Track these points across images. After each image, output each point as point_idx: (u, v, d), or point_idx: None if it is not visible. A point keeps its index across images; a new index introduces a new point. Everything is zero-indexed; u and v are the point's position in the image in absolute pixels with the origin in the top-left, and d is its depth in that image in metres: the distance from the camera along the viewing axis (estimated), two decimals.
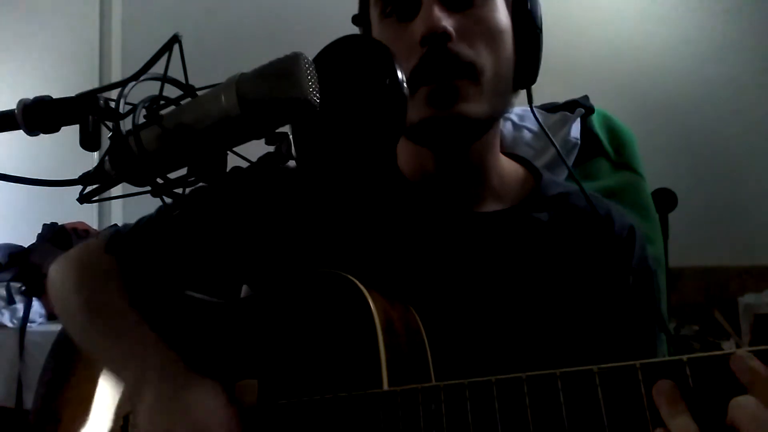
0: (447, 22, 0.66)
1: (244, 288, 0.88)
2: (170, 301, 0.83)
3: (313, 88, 0.42)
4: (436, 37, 0.65)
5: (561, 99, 1.36)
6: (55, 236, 2.44)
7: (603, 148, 1.26)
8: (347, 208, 0.78)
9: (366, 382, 0.59)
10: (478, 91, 0.68)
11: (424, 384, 0.55)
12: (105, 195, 0.48)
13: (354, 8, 0.79)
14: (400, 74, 0.47)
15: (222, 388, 0.67)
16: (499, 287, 0.71)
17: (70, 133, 0.46)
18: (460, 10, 0.68)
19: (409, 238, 0.74)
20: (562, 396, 0.48)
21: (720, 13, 2.33)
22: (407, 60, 0.66)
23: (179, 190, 0.46)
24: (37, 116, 0.43)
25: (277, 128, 0.45)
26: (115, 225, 2.76)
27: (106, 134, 0.45)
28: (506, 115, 1.09)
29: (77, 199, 0.47)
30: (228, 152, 0.47)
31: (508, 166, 0.81)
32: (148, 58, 0.44)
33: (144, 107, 0.44)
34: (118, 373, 0.75)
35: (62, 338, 0.89)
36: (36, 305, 2.18)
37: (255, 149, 0.46)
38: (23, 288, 2.23)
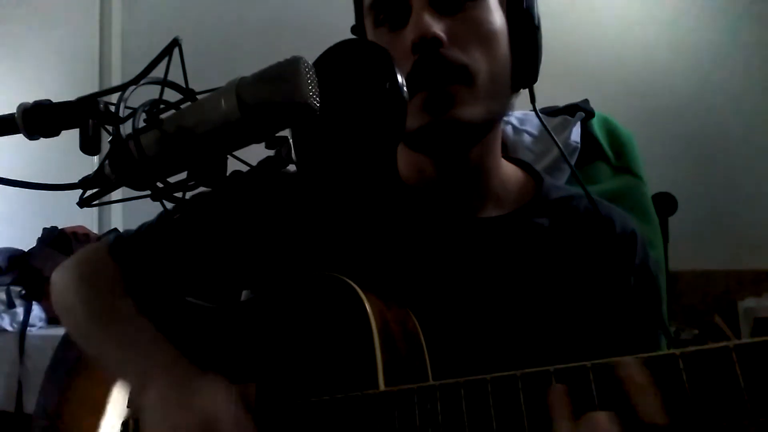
0: (437, 27, 0.65)
1: (244, 292, 0.88)
2: (171, 305, 0.83)
3: (313, 92, 0.42)
4: (426, 42, 0.65)
5: (561, 103, 1.36)
6: (55, 240, 2.44)
7: (603, 152, 1.27)
8: (347, 213, 0.77)
9: (362, 383, 0.59)
10: (473, 95, 0.67)
11: (419, 384, 0.55)
12: (105, 199, 0.48)
13: (353, 12, 0.79)
14: (400, 78, 0.47)
15: (228, 383, 0.65)
16: (499, 293, 0.71)
17: (70, 137, 0.46)
18: (451, 13, 0.67)
19: (408, 243, 0.74)
20: None
21: (721, 17, 2.34)
22: (401, 68, 0.66)
23: (179, 195, 0.46)
24: (37, 120, 0.43)
25: (277, 132, 0.45)
26: (115, 229, 2.77)
27: (106, 138, 0.45)
28: (506, 118, 1.09)
29: (77, 203, 0.47)
30: (228, 156, 0.47)
31: (509, 171, 0.81)
32: (148, 62, 0.44)
33: (144, 111, 0.44)
34: (123, 372, 0.74)
35: (64, 343, 0.89)
36: (36, 309, 2.18)
37: (255, 153, 0.46)
38: (23, 292, 2.23)
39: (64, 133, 0.45)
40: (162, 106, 0.45)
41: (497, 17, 0.70)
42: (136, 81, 0.44)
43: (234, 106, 0.42)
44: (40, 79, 3.17)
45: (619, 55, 2.44)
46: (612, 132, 1.30)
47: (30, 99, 0.44)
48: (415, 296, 0.70)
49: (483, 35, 0.68)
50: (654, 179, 1.36)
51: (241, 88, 0.42)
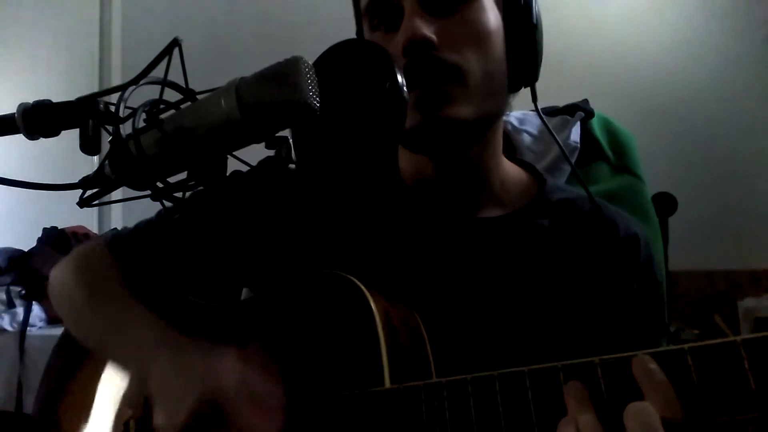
0: (428, 30, 0.65)
1: (244, 291, 0.88)
2: (171, 303, 0.82)
3: (313, 92, 0.42)
4: (416, 44, 0.65)
5: (561, 103, 1.36)
6: (55, 240, 2.44)
7: (603, 152, 1.26)
8: (348, 212, 0.77)
9: (368, 381, 0.59)
10: (465, 94, 0.67)
11: (426, 381, 0.55)
12: (105, 199, 0.48)
13: (353, 13, 0.80)
14: (399, 78, 0.47)
15: (238, 349, 0.63)
16: (499, 292, 0.71)
17: (71, 137, 0.46)
18: (444, 15, 0.67)
19: (409, 243, 0.74)
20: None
21: (721, 17, 2.34)
22: None
23: (179, 194, 0.46)
24: (37, 120, 0.43)
25: (277, 132, 0.45)
26: (115, 229, 2.76)
27: (106, 138, 0.45)
28: (505, 118, 1.09)
29: (77, 203, 0.47)
30: (228, 156, 0.47)
31: (510, 171, 0.81)
32: (148, 62, 0.44)
33: (144, 111, 0.44)
34: (127, 356, 0.72)
35: (63, 342, 0.89)
36: (36, 309, 2.18)
37: (255, 153, 0.46)
38: (23, 292, 2.24)
39: (64, 133, 0.45)
40: (162, 106, 0.45)
41: (492, 17, 0.70)
42: (136, 81, 0.44)
43: (234, 106, 0.42)
44: (40, 79, 3.17)
45: (619, 55, 2.44)
46: (612, 132, 1.30)
47: (30, 99, 0.44)
48: (415, 295, 0.70)
49: (477, 35, 0.68)
50: (654, 179, 1.35)
51: (241, 88, 0.42)
